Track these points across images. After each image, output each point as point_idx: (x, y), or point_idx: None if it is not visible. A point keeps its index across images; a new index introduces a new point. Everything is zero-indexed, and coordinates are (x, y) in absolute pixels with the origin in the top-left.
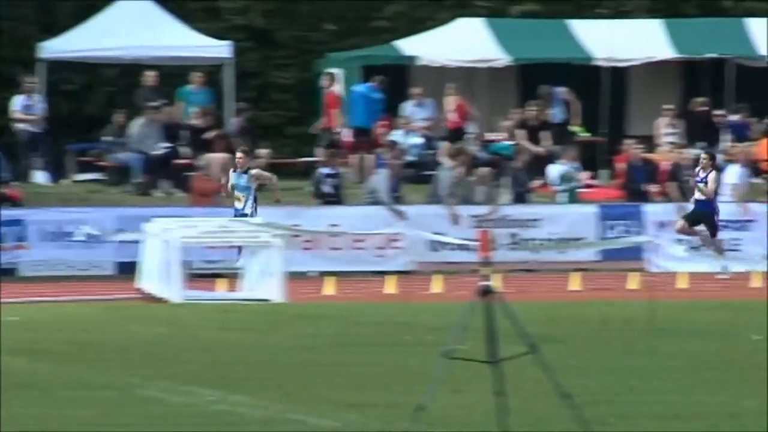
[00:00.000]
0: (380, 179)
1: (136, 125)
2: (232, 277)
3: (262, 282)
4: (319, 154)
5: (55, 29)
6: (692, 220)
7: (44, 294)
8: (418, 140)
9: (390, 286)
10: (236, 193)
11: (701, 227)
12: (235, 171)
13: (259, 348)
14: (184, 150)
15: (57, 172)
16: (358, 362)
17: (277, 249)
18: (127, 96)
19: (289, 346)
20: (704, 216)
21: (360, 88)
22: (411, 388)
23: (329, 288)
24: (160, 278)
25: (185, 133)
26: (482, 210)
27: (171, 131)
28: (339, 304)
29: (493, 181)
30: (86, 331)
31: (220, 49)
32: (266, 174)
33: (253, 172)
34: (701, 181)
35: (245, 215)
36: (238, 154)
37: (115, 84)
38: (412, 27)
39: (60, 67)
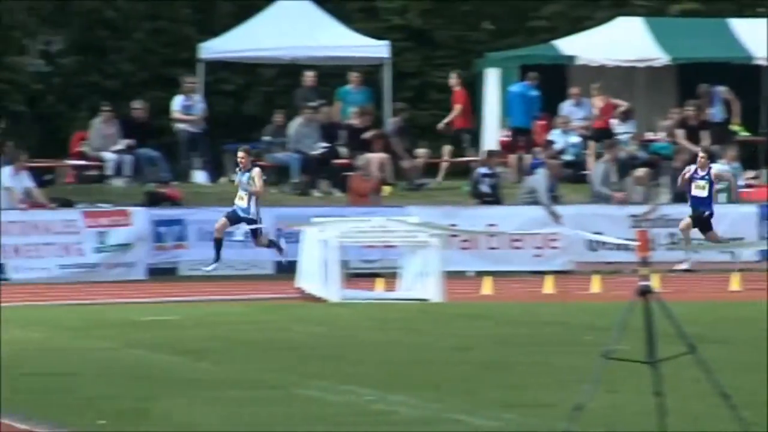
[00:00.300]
0: (538, 179)
1: (295, 125)
2: (390, 276)
3: (420, 281)
4: (445, 152)
5: (214, 30)
6: (695, 218)
7: (203, 293)
8: (576, 140)
9: (548, 286)
10: (239, 192)
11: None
12: (238, 171)
13: (416, 347)
14: (343, 150)
15: (216, 171)
16: (515, 362)
17: (435, 249)
18: (286, 96)
19: (446, 345)
20: (702, 212)
21: (516, 87)
22: (568, 388)
23: (487, 288)
24: (318, 278)
25: (343, 132)
26: (641, 210)
27: (329, 131)
28: (496, 304)
29: (652, 181)
30: (245, 331)
31: (378, 49)
32: (258, 181)
33: (253, 172)
34: (700, 179)
35: (248, 214)
36: (240, 154)
37: (273, 84)
38: (570, 26)
39: (219, 68)
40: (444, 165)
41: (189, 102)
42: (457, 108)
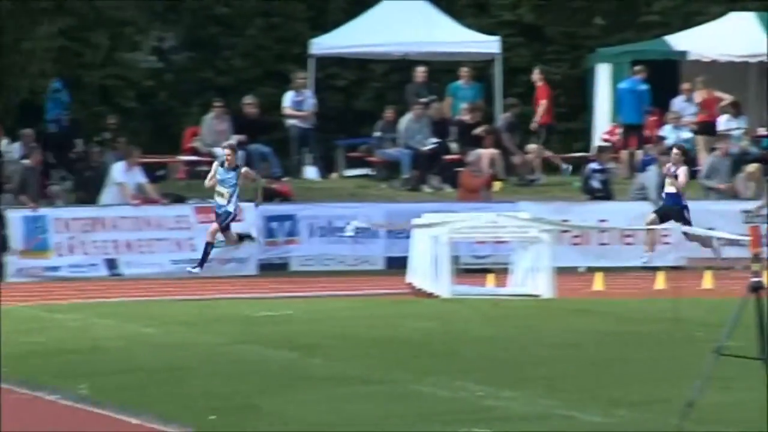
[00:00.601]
0: (650, 175)
1: (405, 121)
2: (501, 272)
3: (531, 277)
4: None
5: (325, 25)
6: (662, 214)
7: (315, 289)
8: (688, 135)
9: (660, 282)
10: (220, 188)
11: (671, 223)
12: (222, 166)
13: (527, 343)
14: (453, 146)
15: (327, 167)
16: (626, 358)
17: (546, 244)
18: (397, 91)
19: (557, 341)
20: (674, 211)
21: (625, 84)
22: (680, 384)
23: (598, 284)
24: (429, 273)
25: (454, 128)
26: (753, 205)
27: (440, 127)
28: (608, 300)
29: (765, 177)
30: (357, 326)
31: (489, 44)
32: (252, 173)
33: (243, 170)
34: (673, 175)
35: (228, 212)
36: (226, 151)
37: (384, 80)
38: (682, 22)
39: (330, 63)
40: (552, 160)
41: (300, 98)
42: (543, 104)
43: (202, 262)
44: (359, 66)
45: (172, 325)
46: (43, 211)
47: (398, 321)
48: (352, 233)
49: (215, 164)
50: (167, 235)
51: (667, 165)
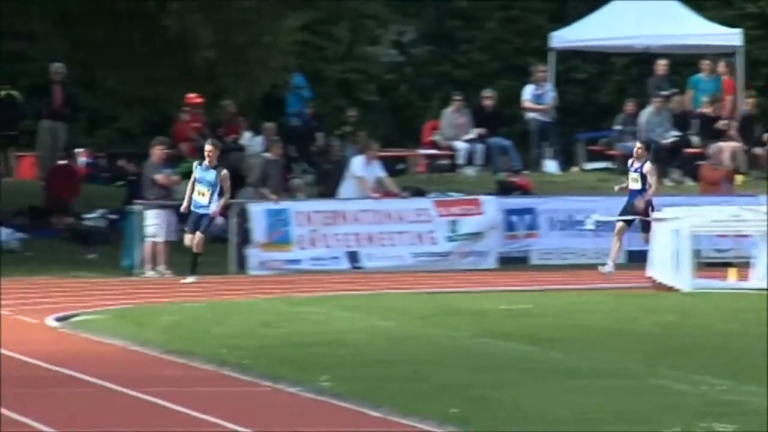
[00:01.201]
0: None
1: (646, 114)
2: (743, 266)
3: None
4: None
5: (565, 19)
6: (626, 213)
7: (554, 282)
8: None
9: None
10: (200, 187)
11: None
12: (200, 165)
13: None
14: (694, 139)
15: (567, 160)
16: None
17: None
18: (638, 85)
19: None
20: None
21: None
22: None
23: None
24: (670, 267)
25: (695, 121)
26: None
27: (681, 120)
28: None
29: None
30: (596, 320)
31: (730, 37)
32: (226, 186)
33: (224, 173)
34: (635, 171)
35: (207, 214)
36: (208, 148)
37: (625, 73)
38: None
39: (570, 56)
40: None
41: (540, 91)
42: (729, 98)
43: (193, 271)
44: (600, 59)
45: (411, 318)
46: (284, 204)
47: (638, 314)
48: (592, 227)
49: (195, 164)
50: (408, 228)
51: (629, 160)
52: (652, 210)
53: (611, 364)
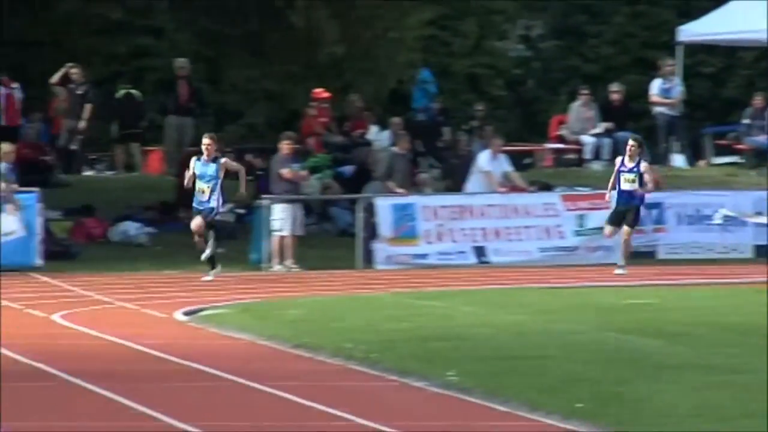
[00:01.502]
0: None
1: None
2: None
3: None
4: None
5: (692, 12)
6: (616, 215)
7: (682, 276)
8: None
9: None
10: (201, 184)
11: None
12: (199, 159)
13: None
14: None
15: (694, 155)
16: None
17: None
18: (766, 78)
19: None
20: (630, 209)
21: None
22: None
23: None
24: None
25: None
26: None
27: None
28: None
29: None
30: (723, 315)
31: None
32: (235, 165)
33: (223, 161)
34: (629, 171)
35: (212, 209)
36: (206, 141)
37: (754, 67)
38: None
39: (698, 50)
40: None
41: (667, 85)
42: None
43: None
44: (727, 53)
45: (537, 312)
46: (411, 198)
47: (765, 310)
48: (720, 221)
49: (193, 159)
50: (535, 222)
51: (619, 158)
52: (642, 206)
53: (737, 360)
